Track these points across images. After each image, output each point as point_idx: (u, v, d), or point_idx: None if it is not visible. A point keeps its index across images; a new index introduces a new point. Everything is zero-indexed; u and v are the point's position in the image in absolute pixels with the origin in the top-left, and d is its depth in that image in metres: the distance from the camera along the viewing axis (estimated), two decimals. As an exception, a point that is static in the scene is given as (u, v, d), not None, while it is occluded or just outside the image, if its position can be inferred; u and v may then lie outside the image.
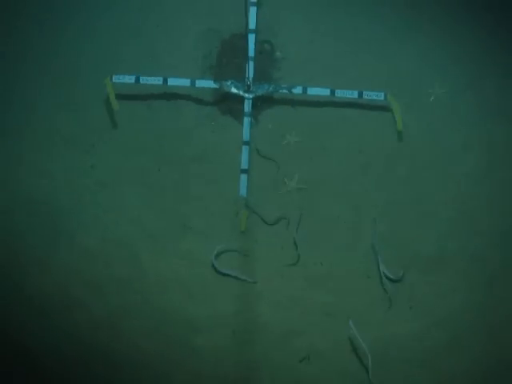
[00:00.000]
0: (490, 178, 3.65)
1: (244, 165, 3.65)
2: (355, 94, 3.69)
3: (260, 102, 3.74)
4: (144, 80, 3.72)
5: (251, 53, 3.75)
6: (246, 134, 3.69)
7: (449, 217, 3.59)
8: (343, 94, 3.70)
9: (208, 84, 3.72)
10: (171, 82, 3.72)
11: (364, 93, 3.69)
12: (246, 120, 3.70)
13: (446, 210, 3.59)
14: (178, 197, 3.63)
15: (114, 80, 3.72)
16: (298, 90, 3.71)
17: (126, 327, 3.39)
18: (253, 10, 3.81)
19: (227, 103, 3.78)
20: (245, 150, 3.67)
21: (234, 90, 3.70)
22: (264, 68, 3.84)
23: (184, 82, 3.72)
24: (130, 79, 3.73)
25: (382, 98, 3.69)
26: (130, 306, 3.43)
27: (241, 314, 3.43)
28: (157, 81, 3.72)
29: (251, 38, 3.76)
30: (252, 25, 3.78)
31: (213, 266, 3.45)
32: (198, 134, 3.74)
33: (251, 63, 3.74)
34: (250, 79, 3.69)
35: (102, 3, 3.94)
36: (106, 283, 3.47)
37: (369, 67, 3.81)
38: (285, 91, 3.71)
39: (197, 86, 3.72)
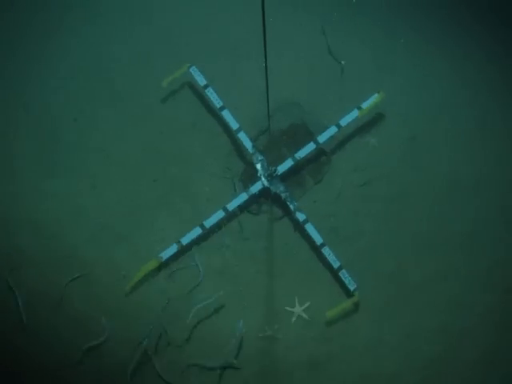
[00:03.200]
0: None
1: (207, 223, 3.60)
2: (336, 265, 3.54)
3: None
4: (210, 92, 3.74)
5: (300, 154, 3.67)
6: (232, 204, 3.62)
7: None
8: (328, 254, 3.55)
9: (246, 140, 3.69)
10: (225, 114, 3.71)
11: (342, 271, 3.54)
12: (243, 195, 3.63)
13: None
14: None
15: (190, 70, 3.76)
16: (300, 217, 3.60)
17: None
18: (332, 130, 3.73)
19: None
20: (219, 213, 3.61)
21: (257, 165, 3.64)
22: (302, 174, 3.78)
23: (234, 124, 3.70)
24: (201, 81, 3.76)
25: (354, 287, 3.52)
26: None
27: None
28: (217, 103, 3.72)
29: (310, 145, 3.68)
30: (321, 138, 3.70)
31: None
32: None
33: (290, 161, 3.67)
34: (278, 171, 3.62)
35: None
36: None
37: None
38: (291, 208, 3.61)
39: (238, 135, 3.69)
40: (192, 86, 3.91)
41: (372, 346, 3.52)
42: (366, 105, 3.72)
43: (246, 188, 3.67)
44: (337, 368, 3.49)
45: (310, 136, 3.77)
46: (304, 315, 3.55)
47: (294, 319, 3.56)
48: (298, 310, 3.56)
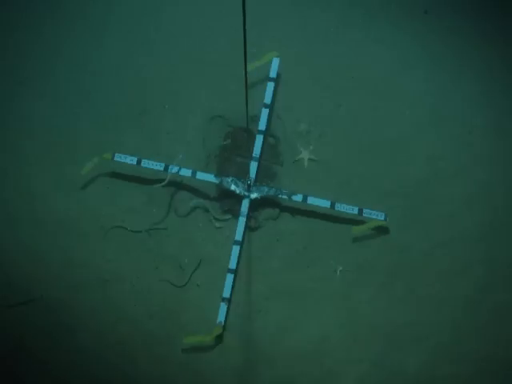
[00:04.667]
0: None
1: (232, 265, 3.57)
2: (355, 211, 3.61)
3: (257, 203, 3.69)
4: (145, 163, 3.68)
5: (256, 152, 3.69)
6: (238, 233, 3.61)
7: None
8: (343, 208, 3.61)
9: (207, 177, 3.66)
10: (172, 169, 3.66)
11: (364, 210, 3.61)
12: (241, 220, 3.62)
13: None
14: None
15: (115, 158, 3.68)
16: (297, 198, 3.63)
17: None
18: (264, 112, 3.77)
19: (228, 201, 3.74)
20: (235, 249, 3.59)
21: (232, 188, 3.64)
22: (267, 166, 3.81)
23: (186, 172, 3.67)
24: (131, 160, 3.69)
25: (383, 218, 3.61)
26: None
27: None
28: (158, 166, 3.67)
29: (259, 138, 3.72)
30: (261, 126, 3.74)
31: None
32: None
33: (254, 163, 3.69)
34: (252, 179, 3.63)
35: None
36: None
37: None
38: (284, 197, 3.64)
39: (197, 177, 3.66)
40: (117, 174, 3.80)
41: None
42: (273, 73, 3.78)
43: (236, 214, 3.66)
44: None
45: (249, 132, 3.78)
46: (313, 157, 3.71)
47: (306, 164, 3.72)
48: (305, 154, 3.72)
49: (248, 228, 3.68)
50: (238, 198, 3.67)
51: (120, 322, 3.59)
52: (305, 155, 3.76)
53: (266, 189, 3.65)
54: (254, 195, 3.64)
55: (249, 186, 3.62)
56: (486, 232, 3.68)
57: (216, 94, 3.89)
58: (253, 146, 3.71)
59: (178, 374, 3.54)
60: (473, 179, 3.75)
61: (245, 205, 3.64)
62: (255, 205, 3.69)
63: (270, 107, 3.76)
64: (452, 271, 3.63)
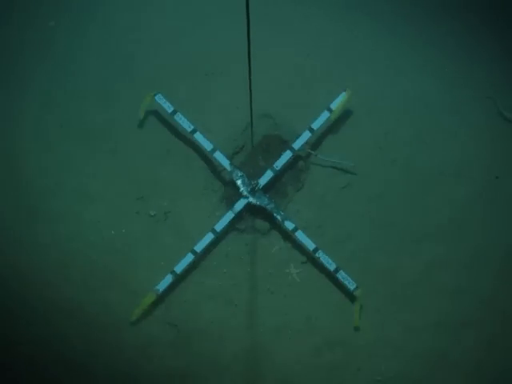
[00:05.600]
0: None
1: (197, 248, 3.57)
2: (332, 267, 3.55)
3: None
4: (178, 117, 3.72)
5: (277, 164, 3.67)
6: (219, 224, 3.60)
7: None
8: (323, 258, 3.55)
9: (223, 159, 3.67)
10: (197, 136, 3.69)
11: (340, 272, 3.55)
12: (229, 214, 3.61)
13: None
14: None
15: (156, 99, 3.74)
16: (289, 225, 3.60)
17: None
18: (305, 135, 3.74)
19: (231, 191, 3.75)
20: (208, 236, 3.58)
21: (237, 182, 3.63)
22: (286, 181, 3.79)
23: (208, 145, 3.68)
24: (168, 108, 3.74)
25: (353, 287, 3.53)
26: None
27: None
28: (187, 127, 3.70)
29: (287, 154, 3.69)
30: (296, 145, 3.71)
31: None
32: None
33: (270, 173, 3.66)
34: (259, 185, 3.61)
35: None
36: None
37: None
38: (278, 218, 3.61)
39: (214, 155, 3.67)
40: (159, 114, 3.87)
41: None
42: (334, 105, 3.74)
43: (230, 206, 3.65)
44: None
45: (285, 145, 3.77)
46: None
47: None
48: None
49: (236, 229, 3.69)
50: (239, 195, 3.66)
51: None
52: None
53: (266, 200, 3.63)
54: (252, 200, 3.62)
55: (253, 189, 3.60)
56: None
57: (278, 99, 3.90)
58: (280, 158, 3.69)
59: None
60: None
61: (240, 203, 3.63)
62: (251, 209, 3.68)
63: (313, 132, 3.72)
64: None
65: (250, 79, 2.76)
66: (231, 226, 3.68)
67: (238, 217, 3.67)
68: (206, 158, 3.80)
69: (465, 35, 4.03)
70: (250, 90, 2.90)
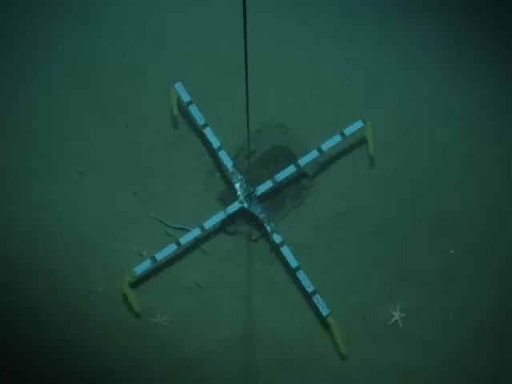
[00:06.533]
0: None
1: (182, 240, 3.57)
2: (310, 289, 3.53)
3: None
4: (193, 109, 3.73)
5: (279, 176, 3.65)
6: (208, 222, 3.60)
7: None
8: (302, 278, 3.53)
9: (227, 159, 3.67)
10: (207, 132, 3.70)
11: (315, 297, 3.52)
12: (220, 214, 3.61)
13: None
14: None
15: (175, 86, 3.76)
16: (277, 238, 3.59)
17: None
18: (313, 153, 3.73)
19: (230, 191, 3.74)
20: (194, 231, 3.58)
21: (236, 185, 3.63)
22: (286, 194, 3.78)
23: (215, 142, 3.69)
24: (185, 97, 3.75)
25: (327, 313, 3.49)
26: None
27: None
28: (199, 120, 3.71)
29: (290, 168, 3.67)
30: (302, 162, 3.70)
31: None
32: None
33: (269, 182, 3.65)
34: (256, 192, 3.60)
35: None
36: None
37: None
38: (268, 229, 3.59)
39: (219, 153, 3.68)
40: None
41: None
42: (348, 132, 3.71)
43: (223, 207, 3.65)
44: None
45: (292, 159, 3.75)
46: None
47: None
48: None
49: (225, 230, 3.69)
50: (235, 197, 3.65)
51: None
52: None
53: (259, 209, 3.61)
54: (246, 205, 3.61)
55: (249, 195, 3.59)
56: None
57: (299, 113, 3.90)
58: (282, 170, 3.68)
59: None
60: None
61: (233, 206, 3.62)
62: (245, 214, 3.67)
63: (322, 153, 3.70)
64: None
65: (246, 80, 2.72)
66: (221, 226, 3.67)
67: (230, 220, 3.66)
68: (212, 155, 3.79)
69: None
70: (247, 94, 2.87)
